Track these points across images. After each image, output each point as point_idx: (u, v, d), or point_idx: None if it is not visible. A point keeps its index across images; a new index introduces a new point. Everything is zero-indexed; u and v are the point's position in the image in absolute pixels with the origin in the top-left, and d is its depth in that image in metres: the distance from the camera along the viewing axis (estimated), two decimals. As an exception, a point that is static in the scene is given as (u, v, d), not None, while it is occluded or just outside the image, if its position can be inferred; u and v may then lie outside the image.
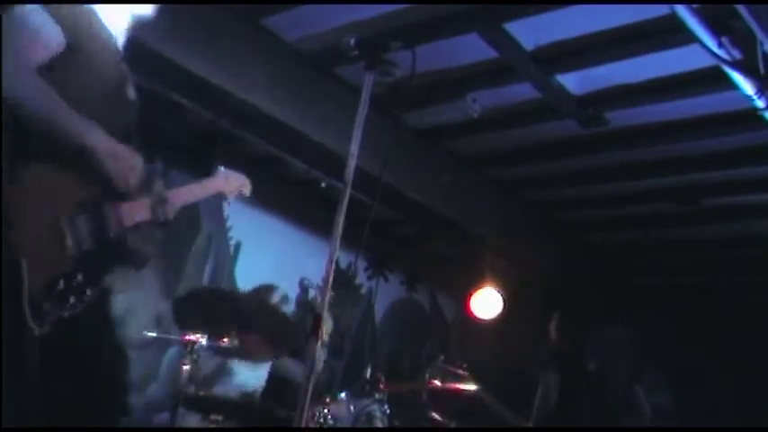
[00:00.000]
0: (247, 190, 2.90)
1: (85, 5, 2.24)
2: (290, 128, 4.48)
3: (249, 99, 4.22)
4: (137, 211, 2.34)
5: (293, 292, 5.77)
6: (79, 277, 2.08)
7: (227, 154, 5.33)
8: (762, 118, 3.75)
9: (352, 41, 2.33)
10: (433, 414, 4.57)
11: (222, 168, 2.79)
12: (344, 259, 5.03)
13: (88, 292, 2.11)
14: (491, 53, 4.13)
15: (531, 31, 3.93)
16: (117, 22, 2.37)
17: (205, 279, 5.28)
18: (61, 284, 2.04)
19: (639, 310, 6.56)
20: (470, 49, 4.12)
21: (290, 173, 5.46)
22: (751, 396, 5.94)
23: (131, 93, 2.37)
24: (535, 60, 4.11)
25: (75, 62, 2.16)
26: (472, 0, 3.70)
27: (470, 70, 4.38)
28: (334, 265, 2.12)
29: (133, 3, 2.29)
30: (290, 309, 5.57)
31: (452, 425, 4.60)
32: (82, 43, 2.18)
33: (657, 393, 5.54)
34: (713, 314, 6.59)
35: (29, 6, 2.11)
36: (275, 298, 4.76)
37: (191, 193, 2.62)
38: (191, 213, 5.24)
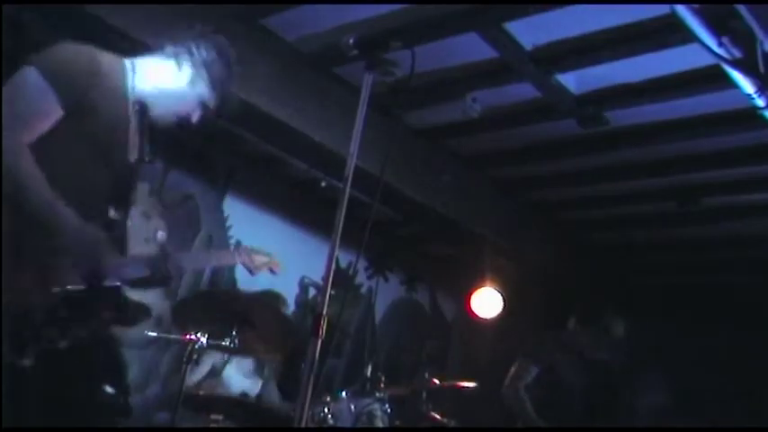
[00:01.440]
0: (276, 268, 2.92)
1: (89, 65, 2.20)
2: (290, 128, 4.48)
3: (249, 99, 4.22)
4: (133, 266, 2.35)
5: (293, 292, 5.78)
6: (63, 312, 2.08)
7: (228, 154, 5.34)
8: (762, 117, 3.75)
9: (352, 41, 2.33)
10: (433, 414, 4.57)
11: (244, 246, 2.84)
12: (344, 259, 5.02)
13: (73, 327, 2.11)
14: (491, 53, 4.13)
15: (530, 31, 3.93)
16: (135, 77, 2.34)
17: (205, 279, 5.28)
18: (40, 318, 2.04)
19: (639, 310, 6.56)
20: (470, 49, 4.12)
21: (290, 173, 5.46)
22: (751, 396, 5.94)
23: (136, 152, 2.34)
24: (535, 60, 4.11)
25: (74, 128, 2.14)
26: (472, 0, 3.70)
27: (470, 70, 4.38)
28: (334, 265, 2.12)
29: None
30: (288, 309, 5.57)
31: (452, 425, 4.60)
32: (79, 104, 2.15)
33: (657, 393, 5.54)
34: (713, 314, 6.58)
35: (27, 74, 2.09)
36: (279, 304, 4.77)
37: (203, 260, 2.61)
38: (191, 213, 5.24)
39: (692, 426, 5.46)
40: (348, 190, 2.20)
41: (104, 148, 2.23)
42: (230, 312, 3.47)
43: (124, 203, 2.34)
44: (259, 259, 2.82)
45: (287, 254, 5.62)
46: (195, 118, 2.42)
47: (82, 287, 2.15)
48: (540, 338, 4.52)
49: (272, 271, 2.89)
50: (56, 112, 2.12)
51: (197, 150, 5.12)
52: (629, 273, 7.13)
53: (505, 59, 4.16)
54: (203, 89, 2.36)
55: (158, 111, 2.38)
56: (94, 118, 2.18)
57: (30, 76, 2.10)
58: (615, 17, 3.71)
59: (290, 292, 5.66)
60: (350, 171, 2.21)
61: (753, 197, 5.39)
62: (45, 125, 2.11)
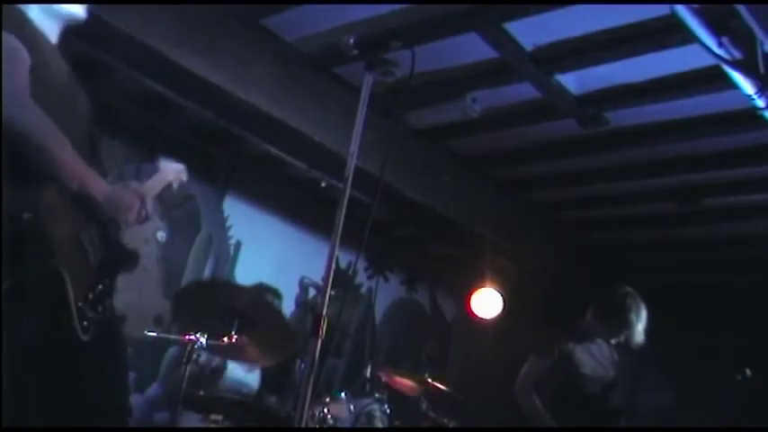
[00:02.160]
0: (184, 176, 2.71)
1: (19, 15, 2.17)
2: (290, 128, 4.48)
3: (249, 99, 4.22)
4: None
5: (293, 292, 5.78)
6: (100, 286, 2.14)
7: (228, 154, 5.34)
8: (762, 117, 3.76)
9: (352, 41, 2.33)
10: (433, 414, 4.58)
11: (163, 160, 2.66)
12: (344, 259, 5.03)
13: (107, 300, 2.17)
14: (491, 53, 4.13)
15: (530, 31, 3.93)
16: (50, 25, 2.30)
17: (206, 275, 5.29)
18: (91, 295, 2.09)
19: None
20: (470, 49, 4.12)
21: (290, 173, 5.46)
22: (751, 396, 5.94)
23: (84, 105, 2.32)
24: (535, 60, 4.11)
25: (37, 81, 2.11)
26: (472, 0, 3.70)
27: (470, 70, 4.38)
28: (334, 265, 2.12)
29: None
30: (288, 309, 5.57)
31: (452, 425, 4.60)
32: (38, 60, 2.13)
33: (658, 393, 5.53)
34: (713, 314, 6.58)
35: (8, 38, 2.07)
36: (272, 299, 4.76)
37: (152, 188, 2.57)
38: (191, 213, 5.25)
39: (692, 426, 5.46)
40: (348, 190, 2.20)
41: (64, 94, 2.21)
42: (230, 308, 3.47)
43: (91, 154, 2.29)
44: (172, 171, 2.65)
45: (287, 254, 5.69)
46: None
47: (103, 252, 2.17)
48: (553, 332, 4.47)
49: (181, 181, 2.70)
50: (28, 64, 2.10)
51: (197, 150, 5.12)
52: (629, 273, 7.13)
53: (505, 59, 4.16)
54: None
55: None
56: (47, 71, 2.16)
57: (9, 39, 2.06)
58: (615, 17, 3.71)
59: (290, 293, 5.67)
60: (350, 171, 2.21)
61: (753, 197, 5.40)
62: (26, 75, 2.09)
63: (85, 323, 2.05)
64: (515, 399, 4.20)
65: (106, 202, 2.15)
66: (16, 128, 1.99)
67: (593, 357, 4.21)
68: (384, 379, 4.53)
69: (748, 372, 4.34)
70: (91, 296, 2.09)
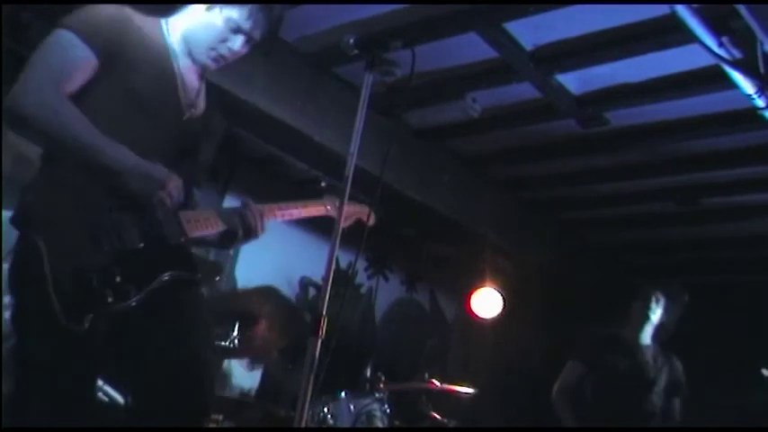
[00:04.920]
0: (367, 218, 2.62)
1: (120, 20, 2.18)
2: (290, 128, 4.48)
3: (249, 99, 4.22)
4: (204, 223, 2.28)
5: (293, 293, 5.78)
6: (117, 274, 2.01)
7: (228, 154, 5.33)
8: (762, 117, 3.76)
9: (352, 41, 2.33)
10: (433, 414, 4.57)
11: (331, 195, 2.62)
12: (344, 259, 5.02)
13: (131, 291, 2.03)
14: (491, 53, 4.13)
15: (531, 31, 3.93)
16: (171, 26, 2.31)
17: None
18: (95, 280, 1.97)
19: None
20: (470, 49, 4.12)
21: (290, 173, 5.46)
22: (751, 396, 5.93)
23: (188, 108, 2.30)
24: (535, 60, 4.10)
25: (111, 79, 2.12)
26: (472, 0, 3.70)
27: (470, 70, 4.38)
28: (334, 265, 2.12)
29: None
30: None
31: (452, 425, 4.60)
32: (116, 59, 2.13)
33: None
34: (713, 314, 6.58)
35: (58, 33, 2.09)
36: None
37: (290, 209, 2.52)
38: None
39: (692, 426, 5.46)
40: (348, 190, 2.20)
41: (146, 103, 2.18)
42: (230, 311, 3.47)
43: (182, 161, 2.27)
44: (349, 210, 2.56)
45: (287, 254, 5.68)
46: (236, 46, 2.33)
47: (140, 245, 2.07)
48: (586, 336, 4.47)
49: (361, 222, 2.65)
50: (90, 62, 2.09)
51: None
52: (629, 273, 7.14)
53: (505, 59, 4.15)
54: (233, 13, 2.25)
55: (195, 50, 2.31)
56: (134, 73, 2.15)
57: (60, 33, 2.10)
58: (615, 17, 3.71)
59: (289, 293, 5.67)
60: (350, 171, 2.21)
61: (753, 197, 5.40)
62: (80, 75, 2.09)
63: (75, 311, 1.93)
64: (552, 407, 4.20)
65: (130, 176, 2.06)
66: (46, 125, 2.01)
67: (633, 358, 4.22)
68: (383, 381, 4.52)
69: (765, 372, 4.35)
70: (95, 281, 1.97)
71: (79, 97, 2.09)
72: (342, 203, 2.19)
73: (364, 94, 2.28)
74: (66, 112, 2.03)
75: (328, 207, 2.65)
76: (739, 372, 6.24)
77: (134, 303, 2.02)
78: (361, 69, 2.33)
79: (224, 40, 2.29)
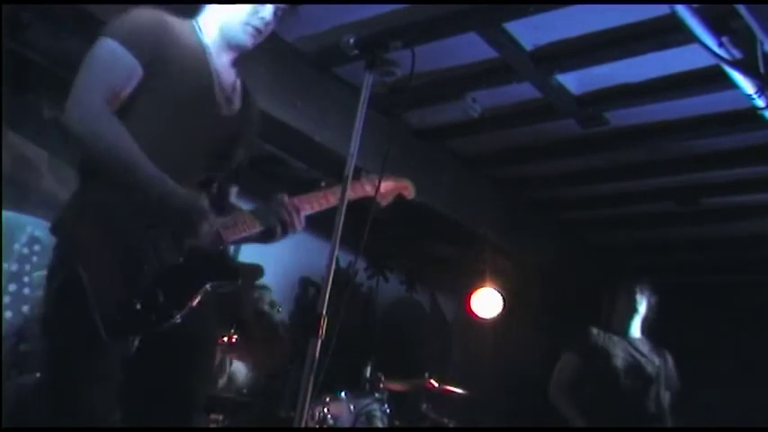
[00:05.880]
0: (408, 192, 2.71)
1: (158, 23, 2.19)
2: (290, 128, 4.48)
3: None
4: (241, 226, 2.28)
5: (293, 292, 5.78)
6: (159, 295, 1.99)
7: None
8: (762, 117, 3.76)
9: (352, 41, 2.33)
10: (433, 414, 4.58)
11: (365, 174, 2.56)
12: (344, 259, 5.02)
13: (175, 313, 2.01)
14: (491, 53, 4.13)
15: (530, 31, 3.93)
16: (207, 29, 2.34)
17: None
18: (139, 304, 1.96)
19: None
20: (470, 49, 4.12)
21: (290, 173, 5.46)
22: (751, 396, 5.94)
23: (225, 105, 2.32)
24: (535, 60, 4.11)
25: (154, 82, 2.13)
26: (472, 0, 3.70)
27: (470, 70, 4.38)
28: (334, 265, 2.11)
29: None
30: (285, 310, 5.55)
31: (452, 425, 4.60)
32: (158, 63, 2.14)
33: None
34: (713, 314, 6.58)
35: (102, 43, 2.10)
36: (265, 301, 4.76)
37: (320, 199, 2.44)
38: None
39: (692, 426, 5.46)
40: (348, 190, 2.20)
41: (187, 104, 2.20)
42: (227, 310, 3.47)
43: (220, 160, 2.31)
44: (386, 187, 2.58)
45: (287, 254, 5.67)
46: (268, 15, 2.37)
47: (179, 261, 2.06)
48: (583, 331, 4.47)
49: (402, 196, 2.67)
50: (135, 70, 2.10)
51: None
52: (629, 273, 7.13)
53: (505, 59, 4.16)
54: None
55: (232, 33, 2.35)
56: (174, 75, 2.17)
57: (104, 43, 2.10)
58: (615, 17, 3.71)
59: (290, 293, 5.67)
60: (350, 171, 2.21)
61: (753, 197, 5.40)
62: (127, 84, 2.10)
63: (117, 331, 1.92)
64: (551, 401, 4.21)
65: (163, 204, 2.05)
66: (90, 139, 2.01)
67: (627, 350, 4.22)
68: (383, 381, 4.52)
69: None
70: (139, 305, 1.95)
71: (126, 104, 2.10)
72: (342, 203, 2.19)
73: (364, 94, 2.27)
74: (107, 126, 2.03)
75: (367, 187, 2.57)
76: (739, 371, 6.26)
77: (179, 320, 2.02)
78: (361, 69, 2.32)
79: (255, 12, 2.34)
